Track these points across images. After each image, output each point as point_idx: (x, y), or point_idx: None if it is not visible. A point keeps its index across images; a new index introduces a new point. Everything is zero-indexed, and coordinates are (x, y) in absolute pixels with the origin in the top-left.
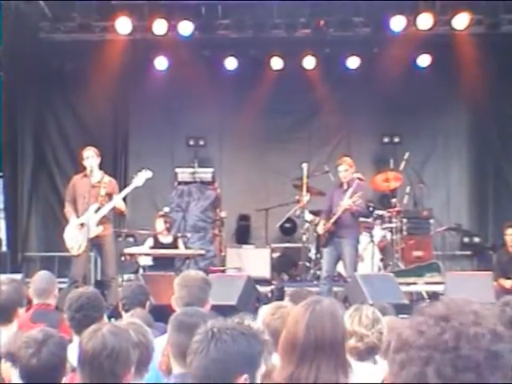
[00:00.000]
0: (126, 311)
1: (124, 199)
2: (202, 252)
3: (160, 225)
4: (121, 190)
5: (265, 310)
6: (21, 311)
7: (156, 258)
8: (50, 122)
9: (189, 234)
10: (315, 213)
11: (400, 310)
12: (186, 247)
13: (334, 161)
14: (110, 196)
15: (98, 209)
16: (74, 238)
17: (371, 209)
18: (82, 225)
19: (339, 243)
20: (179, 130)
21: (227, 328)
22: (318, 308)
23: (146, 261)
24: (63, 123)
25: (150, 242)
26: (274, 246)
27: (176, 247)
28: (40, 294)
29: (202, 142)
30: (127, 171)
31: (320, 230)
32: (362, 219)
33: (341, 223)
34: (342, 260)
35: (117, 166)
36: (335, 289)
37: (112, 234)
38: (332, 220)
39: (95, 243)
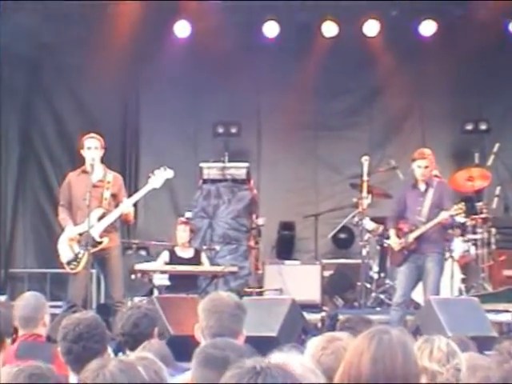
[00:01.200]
0: (131, 349)
1: (134, 203)
2: (234, 269)
3: (181, 234)
4: (129, 189)
5: (314, 344)
6: (8, 342)
7: (175, 277)
8: (41, 104)
9: (217, 247)
10: (378, 220)
11: (486, 344)
12: (213, 263)
13: (403, 153)
14: (115, 198)
15: (103, 215)
16: (71, 252)
17: None
18: (81, 235)
19: (421, 260)
20: (204, 114)
21: (274, 366)
22: (386, 338)
23: (163, 280)
24: (57, 105)
25: (166, 256)
26: (325, 262)
27: (200, 263)
28: (27, 321)
29: (233, 130)
30: (138, 167)
31: (395, 245)
32: None
33: (426, 237)
34: (423, 281)
35: (125, 161)
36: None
37: (119, 246)
38: (415, 234)
39: (98, 258)
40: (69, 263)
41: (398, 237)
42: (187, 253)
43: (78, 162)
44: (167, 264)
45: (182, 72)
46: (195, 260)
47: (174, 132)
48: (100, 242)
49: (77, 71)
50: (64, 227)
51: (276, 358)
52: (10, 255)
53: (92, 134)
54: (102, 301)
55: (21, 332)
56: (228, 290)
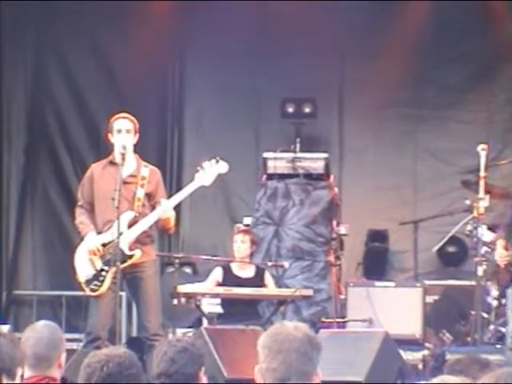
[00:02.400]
0: None
1: (177, 206)
2: (308, 293)
3: (238, 246)
4: (170, 188)
5: None
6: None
7: (230, 302)
8: (54, 70)
9: (285, 263)
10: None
11: None
12: (280, 285)
13: None
14: (152, 198)
15: (134, 220)
16: (93, 268)
17: None
18: (105, 246)
19: None
20: (269, 89)
21: None
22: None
23: (214, 306)
24: (76, 73)
25: (219, 274)
26: (428, 283)
27: (263, 284)
28: (39, 361)
29: (308, 110)
30: (181, 158)
31: (500, 259)
32: None
33: None
34: None
35: (165, 150)
36: None
37: (156, 261)
38: None
39: (128, 277)
40: (89, 283)
41: (506, 249)
42: (246, 271)
43: (103, 150)
44: (220, 285)
45: (240, 36)
46: (257, 280)
47: (228, 113)
48: (131, 256)
49: (103, 29)
50: (83, 235)
51: None
52: (14, 273)
53: (123, 114)
54: (134, 333)
55: (28, 373)
56: (299, 320)
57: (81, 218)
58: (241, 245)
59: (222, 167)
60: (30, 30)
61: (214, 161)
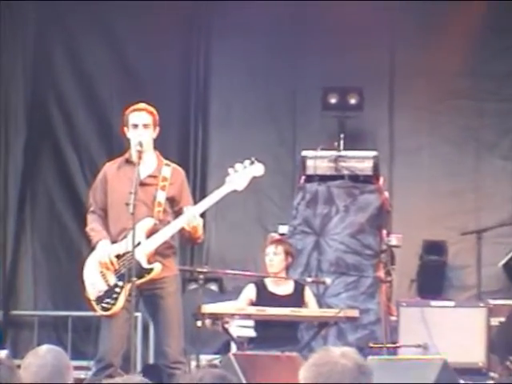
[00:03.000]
0: None
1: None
2: (354, 314)
3: (272, 260)
4: (194, 191)
5: None
6: None
7: (264, 325)
8: (60, 52)
9: (327, 279)
10: None
11: None
12: (322, 304)
13: None
14: (174, 203)
15: (154, 229)
16: (105, 283)
17: None
18: (119, 258)
19: None
20: (308, 77)
21: None
22: None
23: (245, 329)
24: (86, 62)
25: (252, 292)
26: (493, 303)
27: (301, 303)
28: None
29: (353, 101)
30: (206, 159)
31: None
32: None
33: None
34: None
35: (187, 150)
36: None
37: (178, 277)
38: None
39: (146, 294)
40: (100, 301)
41: None
42: (283, 287)
43: (116, 148)
44: (254, 304)
45: (273, 17)
46: (296, 298)
47: (259, 106)
48: (149, 270)
49: (116, 11)
50: (94, 244)
51: None
52: (12, 290)
53: (140, 105)
54: (151, 360)
55: None
56: (344, 345)
57: (92, 224)
58: (273, 257)
59: (258, 169)
60: (30, 7)
61: (248, 162)
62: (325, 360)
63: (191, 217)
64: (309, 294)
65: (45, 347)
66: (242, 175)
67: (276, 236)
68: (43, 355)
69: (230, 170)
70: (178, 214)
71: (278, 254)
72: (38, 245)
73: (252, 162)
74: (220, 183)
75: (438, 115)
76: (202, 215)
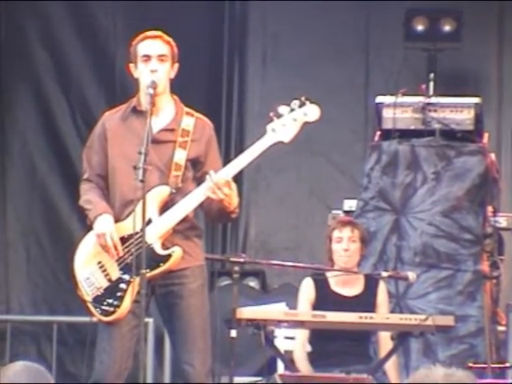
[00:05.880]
0: None
1: (236, 177)
2: (447, 322)
3: (345, 248)
4: (227, 148)
5: None
6: None
7: (322, 335)
8: None
9: (411, 274)
10: None
11: None
12: (402, 307)
13: None
14: (199, 165)
15: (171, 200)
16: (104, 278)
17: None
18: (124, 241)
19: None
20: None
21: None
22: None
23: (296, 342)
24: None
25: (311, 290)
26: None
27: (373, 305)
28: None
29: (447, 27)
30: (243, 107)
31: None
32: None
33: None
34: None
35: (218, 96)
36: None
37: (204, 268)
38: None
39: (161, 292)
40: (99, 302)
41: None
42: (352, 286)
43: (120, 91)
44: (314, 307)
45: None
46: (365, 301)
47: (315, 35)
48: (165, 258)
49: None
50: (91, 222)
51: None
52: None
53: (153, 32)
54: (167, 380)
55: None
56: (433, 363)
57: (88, 195)
58: (350, 245)
59: (311, 112)
60: None
61: (297, 103)
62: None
63: (220, 182)
64: (382, 293)
65: (20, 364)
66: (289, 121)
67: (341, 215)
68: (17, 375)
69: (273, 115)
70: (201, 180)
71: (355, 241)
72: (12, 225)
73: (302, 103)
74: (262, 135)
75: None
76: (237, 182)
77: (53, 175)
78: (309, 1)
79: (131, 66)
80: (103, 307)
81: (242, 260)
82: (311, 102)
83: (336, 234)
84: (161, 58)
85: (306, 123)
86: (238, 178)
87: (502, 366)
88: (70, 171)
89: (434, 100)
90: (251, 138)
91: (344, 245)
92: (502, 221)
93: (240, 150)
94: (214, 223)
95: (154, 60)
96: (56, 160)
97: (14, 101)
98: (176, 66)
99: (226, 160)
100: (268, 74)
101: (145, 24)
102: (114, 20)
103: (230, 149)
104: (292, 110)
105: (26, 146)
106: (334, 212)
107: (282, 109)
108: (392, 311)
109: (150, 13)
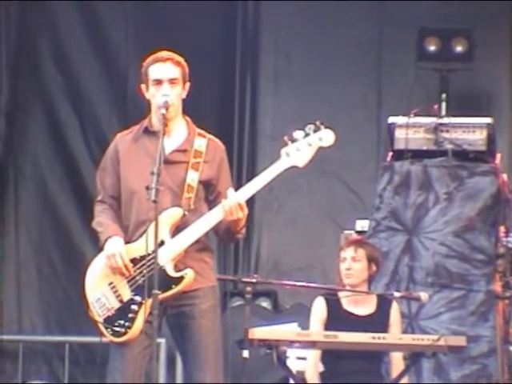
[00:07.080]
0: None
1: (248, 199)
2: (459, 342)
3: (348, 267)
4: (238, 171)
5: None
6: None
7: (334, 355)
8: None
9: (423, 294)
10: None
11: None
12: (415, 328)
13: None
14: (211, 187)
15: (184, 222)
16: (115, 299)
17: None
18: (136, 263)
19: None
20: (396, 13)
21: None
22: None
23: (307, 362)
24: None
25: (322, 309)
26: None
27: (386, 326)
28: None
29: (460, 48)
30: (256, 127)
31: None
32: None
33: None
34: None
35: (230, 116)
36: None
37: (216, 289)
38: None
39: (172, 313)
40: (110, 323)
41: None
42: (364, 305)
43: (132, 114)
44: (326, 327)
45: None
46: (378, 321)
47: (328, 55)
48: (178, 280)
49: None
50: (102, 244)
51: None
52: None
53: (164, 54)
54: None
55: None
56: (445, 382)
57: (100, 217)
58: (352, 264)
59: (326, 138)
60: None
61: (312, 127)
62: None
63: (234, 205)
64: (395, 313)
65: None
66: (303, 146)
67: (353, 235)
68: None
69: (287, 139)
70: (214, 202)
71: (359, 261)
72: (24, 245)
73: (317, 128)
74: (274, 160)
75: None
76: (250, 204)
77: (65, 196)
78: (321, 19)
79: (142, 86)
80: (114, 328)
81: (254, 280)
82: (326, 127)
83: (341, 254)
84: (172, 81)
85: (320, 148)
86: (249, 199)
87: None
88: (81, 191)
89: (446, 120)
90: (263, 158)
91: (346, 264)
92: None
93: (252, 170)
94: (224, 243)
95: (165, 84)
96: (68, 180)
97: (26, 122)
98: (187, 85)
99: (238, 181)
100: (280, 92)
101: (157, 40)
102: (126, 34)
103: (241, 169)
104: (307, 134)
105: (37, 167)
106: (347, 232)
107: (297, 134)
108: (404, 332)
109: (161, 29)
